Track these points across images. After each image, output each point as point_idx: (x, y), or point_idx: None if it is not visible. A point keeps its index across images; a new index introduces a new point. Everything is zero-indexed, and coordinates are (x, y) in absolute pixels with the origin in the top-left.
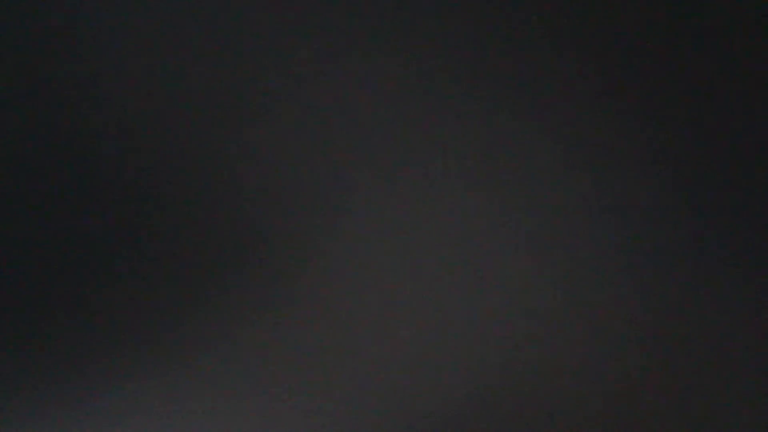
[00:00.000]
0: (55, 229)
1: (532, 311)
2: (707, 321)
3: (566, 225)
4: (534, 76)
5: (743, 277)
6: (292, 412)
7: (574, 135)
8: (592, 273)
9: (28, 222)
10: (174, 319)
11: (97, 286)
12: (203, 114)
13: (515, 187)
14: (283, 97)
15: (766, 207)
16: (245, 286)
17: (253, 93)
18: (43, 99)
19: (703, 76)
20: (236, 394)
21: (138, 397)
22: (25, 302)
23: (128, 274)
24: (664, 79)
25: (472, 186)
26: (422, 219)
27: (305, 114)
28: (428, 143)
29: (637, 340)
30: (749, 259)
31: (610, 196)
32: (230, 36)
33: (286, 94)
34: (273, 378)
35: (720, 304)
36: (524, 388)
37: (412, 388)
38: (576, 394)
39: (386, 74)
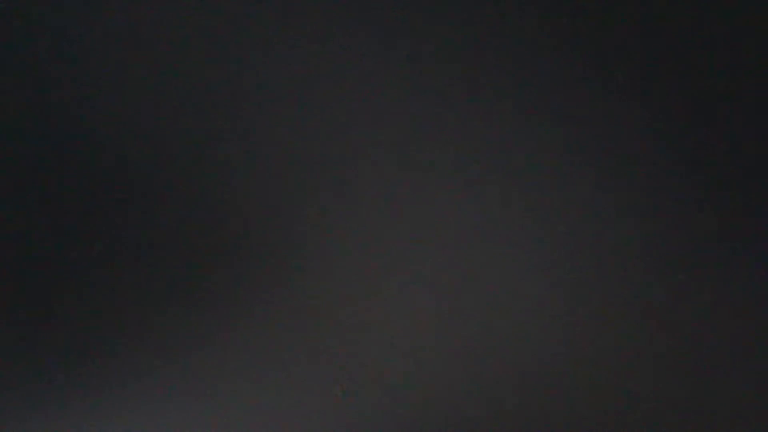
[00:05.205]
0: (53, 228)
1: (532, 309)
2: (708, 321)
3: (568, 225)
4: (536, 73)
5: (745, 277)
6: (290, 411)
7: (577, 135)
8: (594, 273)
9: (27, 220)
10: (171, 318)
11: (95, 286)
12: (200, 112)
13: (515, 187)
14: (280, 95)
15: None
16: (243, 285)
17: (251, 92)
18: (43, 98)
19: (705, 75)
20: (234, 393)
21: (137, 397)
22: (24, 302)
23: (125, 272)
24: (665, 78)
25: (472, 186)
26: (422, 218)
27: (303, 113)
28: (427, 142)
29: (638, 341)
30: (751, 258)
31: (612, 196)
32: (228, 32)
33: (284, 93)
34: (270, 377)
35: (721, 304)
36: (525, 387)
37: (411, 386)
38: (576, 395)
39: (385, 73)
